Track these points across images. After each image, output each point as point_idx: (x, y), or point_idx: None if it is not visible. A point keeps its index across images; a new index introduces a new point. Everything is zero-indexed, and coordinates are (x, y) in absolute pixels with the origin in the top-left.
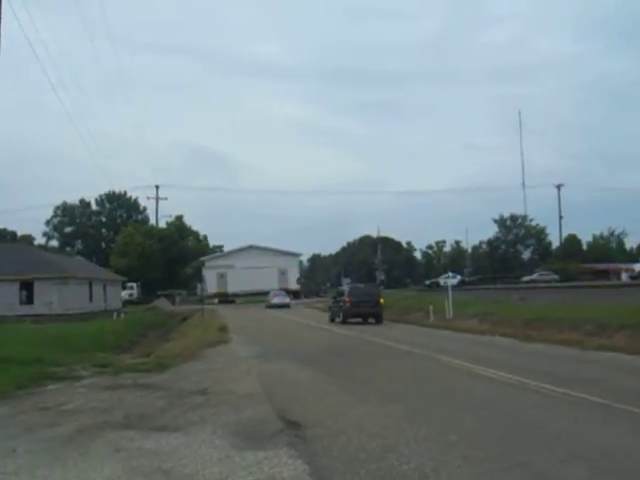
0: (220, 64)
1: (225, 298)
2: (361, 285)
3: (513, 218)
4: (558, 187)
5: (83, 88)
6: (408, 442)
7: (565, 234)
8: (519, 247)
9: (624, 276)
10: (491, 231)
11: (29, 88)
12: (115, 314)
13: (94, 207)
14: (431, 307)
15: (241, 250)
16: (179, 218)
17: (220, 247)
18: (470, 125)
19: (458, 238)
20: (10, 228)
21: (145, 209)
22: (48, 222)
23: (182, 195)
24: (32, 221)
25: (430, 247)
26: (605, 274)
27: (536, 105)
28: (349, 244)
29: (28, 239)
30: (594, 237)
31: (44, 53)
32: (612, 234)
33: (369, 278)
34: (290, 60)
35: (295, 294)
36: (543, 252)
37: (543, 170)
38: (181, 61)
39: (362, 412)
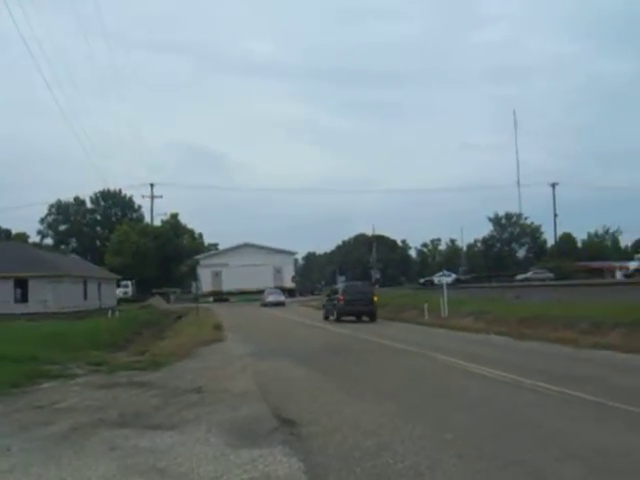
0: (215, 62)
1: (220, 296)
2: (355, 283)
3: (508, 216)
4: (553, 186)
5: (78, 86)
6: (403, 440)
7: (560, 232)
8: (514, 245)
9: (618, 274)
10: (486, 229)
11: (23, 86)
12: (110, 312)
13: (89, 205)
14: (426, 305)
15: (236, 248)
16: (174, 216)
17: (215, 245)
18: (465, 124)
19: (453, 236)
20: (4, 226)
21: (140, 207)
22: (42, 220)
23: (177, 193)
24: (26, 219)
25: (425, 245)
26: (600, 272)
27: (530, 105)
28: (344, 242)
29: (22, 237)
30: (589, 235)
31: (38, 51)
32: (607, 232)
33: (364, 276)
34: (285, 59)
35: (290, 292)
36: (538, 250)
37: (537, 169)
38: (176, 59)
39: (357, 410)
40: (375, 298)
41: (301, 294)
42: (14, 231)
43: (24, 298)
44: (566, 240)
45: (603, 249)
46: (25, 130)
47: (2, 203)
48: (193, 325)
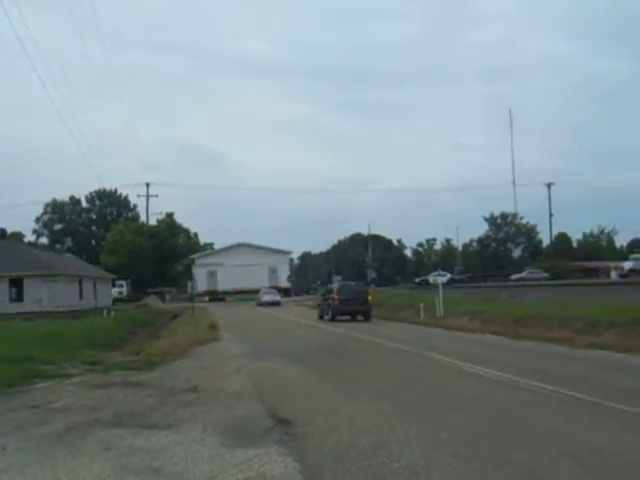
0: (213, 62)
1: (215, 296)
2: (350, 283)
3: (504, 216)
4: (548, 185)
5: (74, 85)
6: (399, 440)
7: (555, 232)
8: (509, 245)
9: (613, 274)
10: (482, 229)
11: (19, 85)
12: (105, 312)
13: (84, 204)
14: (422, 305)
15: (231, 248)
16: (170, 215)
17: (211, 245)
18: (461, 124)
19: (449, 236)
20: None
21: (135, 207)
22: (38, 219)
23: (173, 193)
24: (22, 218)
25: (421, 245)
26: (595, 272)
27: (526, 105)
28: (340, 242)
29: (18, 236)
30: (584, 235)
31: (34, 50)
32: (602, 232)
33: (360, 276)
34: (282, 59)
35: (285, 292)
36: (533, 250)
37: (533, 169)
38: (172, 59)
39: (353, 410)
40: (369, 297)
41: (296, 294)
42: (9, 230)
43: (19, 297)
44: (561, 240)
45: (598, 249)
46: (21, 129)
47: None
48: (189, 324)
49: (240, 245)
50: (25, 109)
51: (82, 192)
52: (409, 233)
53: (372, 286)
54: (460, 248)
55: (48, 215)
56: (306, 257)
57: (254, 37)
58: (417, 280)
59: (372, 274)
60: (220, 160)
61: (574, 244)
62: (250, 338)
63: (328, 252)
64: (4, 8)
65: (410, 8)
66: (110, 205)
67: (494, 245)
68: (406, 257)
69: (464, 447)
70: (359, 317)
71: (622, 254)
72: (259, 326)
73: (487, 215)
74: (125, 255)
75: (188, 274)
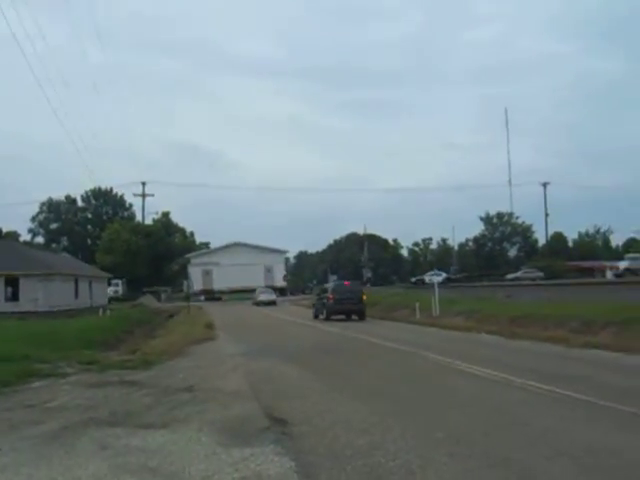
0: (210, 62)
1: (211, 295)
2: (345, 282)
3: (499, 216)
4: (544, 185)
5: (69, 84)
6: (395, 439)
7: (551, 232)
8: (505, 245)
9: (609, 274)
10: (477, 229)
11: (14, 84)
12: (101, 311)
13: (80, 203)
14: (417, 304)
15: (227, 247)
16: (166, 215)
17: (207, 244)
18: (455, 123)
19: (444, 235)
20: None
21: (131, 206)
22: (34, 218)
23: (169, 192)
24: (17, 217)
25: (417, 244)
26: (590, 272)
27: (520, 104)
28: (336, 241)
29: (13, 235)
30: (580, 235)
31: (31, 50)
32: (598, 232)
33: (356, 275)
34: (278, 58)
35: (281, 291)
36: (529, 250)
37: (528, 168)
38: (169, 58)
39: (349, 409)
40: (364, 297)
41: (292, 293)
42: (5, 229)
43: (15, 297)
44: (557, 239)
45: (594, 249)
46: (16, 128)
47: None
48: (184, 324)
49: (236, 244)
50: (21, 108)
51: (78, 191)
52: (405, 232)
53: (368, 285)
54: (456, 247)
55: (44, 214)
56: (302, 256)
57: (253, 37)
58: (413, 280)
59: (368, 273)
60: (217, 159)
61: (570, 244)
62: (246, 337)
63: (324, 252)
64: (1, 8)
65: (406, 8)
66: (106, 204)
67: (490, 244)
68: (402, 257)
69: (460, 446)
70: (354, 317)
71: (618, 254)
72: (255, 325)
73: (483, 214)
74: (121, 254)
75: (184, 273)
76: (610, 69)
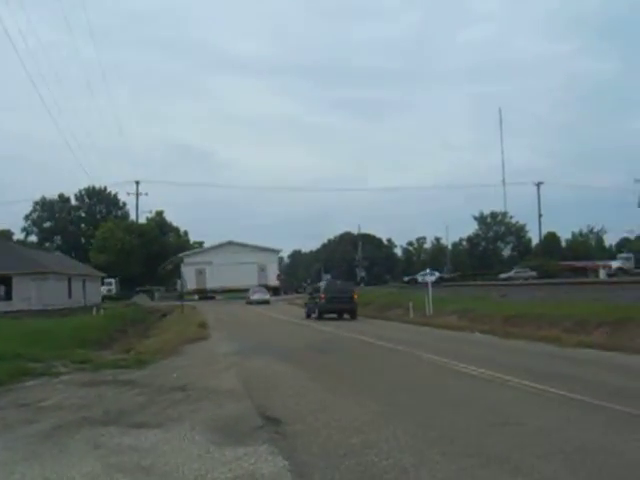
0: (204, 60)
1: (205, 294)
2: (336, 282)
3: (493, 215)
4: (538, 185)
5: (62, 83)
6: (388, 438)
7: (545, 231)
8: (499, 244)
9: (602, 273)
10: (471, 228)
11: (7, 82)
12: (94, 310)
13: (74, 202)
14: (411, 304)
15: (220, 246)
16: (159, 214)
17: (201, 243)
18: (449, 123)
19: (438, 235)
20: None
21: (125, 205)
22: (27, 217)
23: (163, 191)
24: (11, 216)
25: (410, 244)
26: (584, 271)
27: (515, 104)
28: (330, 241)
29: (7, 234)
30: (573, 234)
31: (24, 48)
32: (591, 231)
33: (350, 275)
34: (274, 57)
35: (275, 290)
36: (523, 249)
37: (523, 168)
38: (165, 57)
39: (342, 408)
40: (355, 296)
41: (285, 292)
42: None
43: (8, 296)
44: (550, 239)
45: (587, 248)
46: (10, 127)
47: None
48: (178, 323)
49: (229, 243)
50: (14, 106)
51: (71, 190)
52: (399, 232)
53: (362, 285)
54: (450, 247)
55: (37, 213)
56: (296, 255)
57: (249, 36)
58: (406, 279)
59: (362, 273)
60: (210, 159)
61: (563, 243)
62: (239, 336)
63: (318, 251)
64: None
65: (402, 7)
66: (99, 203)
67: (484, 244)
68: (396, 256)
69: (453, 445)
70: (346, 316)
71: (611, 253)
72: (248, 324)
73: (477, 214)
74: (114, 253)
75: (177, 272)
76: (605, 69)
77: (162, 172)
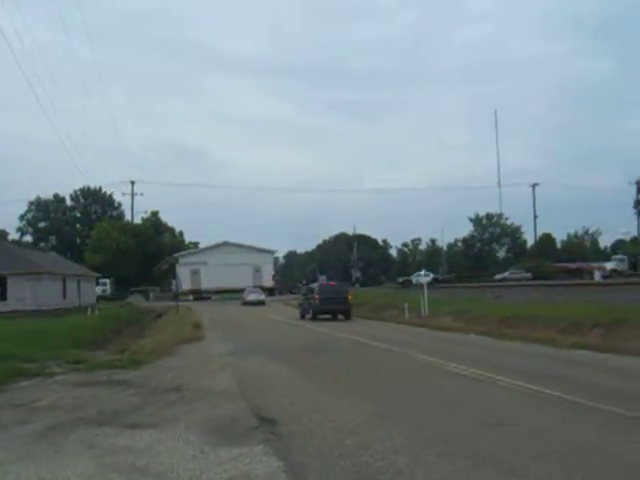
0: (199, 61)
1: (200, 295)
2: (331, 283)
3: (489, 217)
4: (533, 186)
5: (58, 82)
6: (383, 439)
7: (540, 233)
8: (494, 245)
9: (597, 275)
10: (467, 229)
11: (2, 82)
12: (89, 310)
13: (69, 202)
14: (406, 305)
15: (215, 247)
16: (155, 214)
17: (196, 244)
18: (446, 123)
19: (434, 236)
20: None
21: (120, 205)
22: (22, 217)
23: (159, 191)
24: (6, 216)
25: (406, 245)
26: (579, 273)
27: (511, 104)
28: (325, 241)
29: (1, 234)
30: (568, 236)
31: (20, 48)
32: (586, 233)
33: (345, 275)
34: (267, 57)
35: (270, 291)
36: (518, 251)
37: (518, 169)
38: (160, 57)
39: (337, 409)
40: (350, 297)
41: (281, 293)
42: None
43: (2, 296)
44: (546, 241)
45: (583, 250)
46: (5, 126)
47: None
48: (173, 323)
49: (224, 244)
50: (10, 106)
51: (67, 190)
52: (394, 233)
53: (357, 286)
54: (445, 248)
55: (32, 213)
56: (292, 256)
57: (244, 36)
58: (400, 280)
59: (357, 273)
60: (205, 159)
61: (558, 245)
62: (234, 337)
63: (313, 251)
64: None
65: (398, 8)
66: (95, 203)
67: (479, 245)
68: (391, 257)
69: (448, 446)
70: (340, 316)
71: (606, 255)
72: (243, 325)
73: (472, 215)
74: (109, 254)
75: (172, 273)
76: (601, 69)
77: (157, 172)
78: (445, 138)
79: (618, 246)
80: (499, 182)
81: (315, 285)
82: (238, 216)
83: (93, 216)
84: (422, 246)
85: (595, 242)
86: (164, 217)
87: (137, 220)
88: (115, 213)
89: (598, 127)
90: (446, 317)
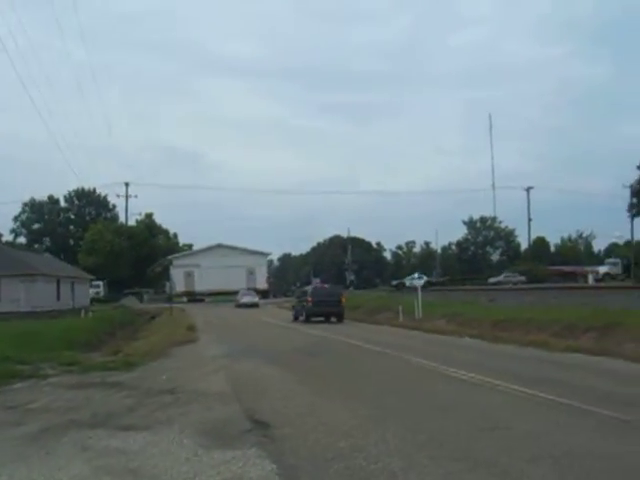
0: (194, 62)
1: (193, 297)
2: (324, 285)
3: (483, 220)
4: (527, 190)
5: (52, 84)
6: (376, 442)
7: (534, 236)
8: (488, 249)
9: (590, 278)
10: (461, 232)
11: None
12: (83, 312)
13: (63, 204)
14: (400, 308)
15: (209, 249)
16: (149, 216)
17: (190, 246)
18: (441, 127)
19: (428, 239)
20: None
21: (114, 207)
22: (16, 218)
23: (153, 193)
24: None
25: (400, 248)
26: (573, 276)
27: (507, 108)
28: (319, 244)
29: None
30: (562, 239)
31: (15, 49)
32: (580, 236)
33: (339, 278)
34: (263, 60)
35: (264, 294)
36: (512, 254)
37: (513, 172)
38: (152, 59)
39: (330, 412)
40: (343, 299)
41: (275, 295)
42: None
43: None
44: (539, 244)
45: (576, 253)
46: None
47: None
48: (167, 326)
49: (218, 246)
50: (4, 107)
51: (61, 192)
52: (388, 235)
53: (351, 289)
54: (439, 251)
55: (26, 214)
56: (286, 259)
57: (238, 38)
58: (394, 283)
59: (351, 276)
60: (200, 161)
61: (552, 248)
62: (228, 339)
63: (308, 254)
64: None
65: (393, 11)
66: (89, 205)
67: (473, 248)
68: (385, 260)
69: (441, 449)
70: (333, 319)
71: (600, 259)
72: (237, 327)
73: (466, 219)
74: (103, 255)
75: (166, 275)
76: (597, 74)
77: (151, 174)
78: (440, 141)
79: (612, 250)
80: (493, 185)
81: (308, 288)
82: (232, 218)
83: (87, 218)
84: (416, 249)
85: (589, 246)
86: (158, 219)
87: (131, 222)
88: (109, 215)
89: (593, 131)
90: (440, 320)
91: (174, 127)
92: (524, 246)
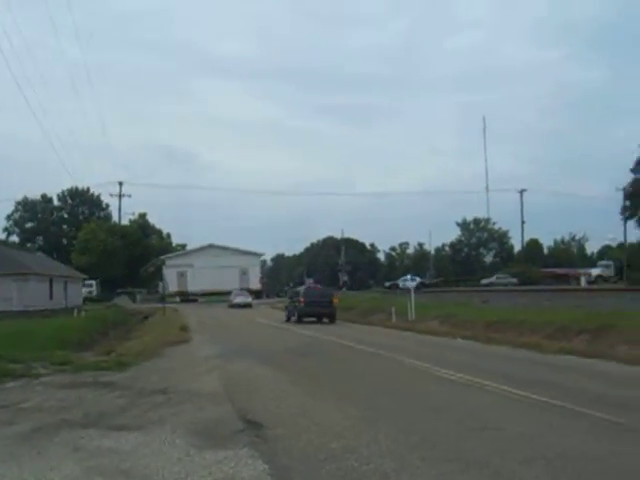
0: (190, 63)
1: (186, 297)
2: (316, 286)
3: (476, 221)
4: (521, 192)
5: (47, 83)
6: (369, 443)
7: (527, 238)
8: (481, 250)
9: (583, 281)
10: (454, 234)
11: None
12: (76, 311)
13: (56, 203)
14: (393, 309)
15: (202, 249)
16: (142, 216)
17: (183, 246)
18: (437, 129)
19: (421, 240)
20: None
21: (108, 206)
22: (9, 217)
23: (147, 193)
24: None
25: (393, 249)
26: (565, 278)
27: (502, 111)
28: (313, 245)
29: None
30: (555, 242)
31: (9, 48)
32: (573, 239)
33: (332, 279)
34: (256, 60)
35: (257, 294)
36: (505, 256)
37: (507, 175)
38: (147, 59)
39: (323, 413)
40: (335, 300)
41: (268, 296)
42: None
43: None
44: (533, 246)
45: (569, 256)
46: None
47: None
48: (160, 326)
49: (211, 246)
50: None
51: (54, 190)
52: (382, 237)
53: (344, 289)
54: (433, 252)
55: (19, 213)
56: (279, 259)
57: (234, 39)
58: (387, 284)
59: (344, 277)
60: (194, 161)
61: (545, 250)
62: (221, 340)
63: (301, 255)
64: None
65: (390, 14)
66: (82, 204)
67: (466, 250)
68: (379, 261)
69: (433, 450)
70: (325, 320)
71: (593, 261)
72: (230, 327)
73: (460, 220)
74: (96, 255)
75: (159, 275)
76: (593, 77)
77: (145, 173)
78: (436, 144)
79: (605, 252)
80: (487, 187)
81: (301, 288)
82: (226, 218)
83: (80, 217)
84: (410, 250)
85: (582, 248)
86: (152, 219)
87: (124, 221)
88: (102, 214)
89: (588, 134)
90: (433, 321)
91: (169, 127)
92: (517, 248)
